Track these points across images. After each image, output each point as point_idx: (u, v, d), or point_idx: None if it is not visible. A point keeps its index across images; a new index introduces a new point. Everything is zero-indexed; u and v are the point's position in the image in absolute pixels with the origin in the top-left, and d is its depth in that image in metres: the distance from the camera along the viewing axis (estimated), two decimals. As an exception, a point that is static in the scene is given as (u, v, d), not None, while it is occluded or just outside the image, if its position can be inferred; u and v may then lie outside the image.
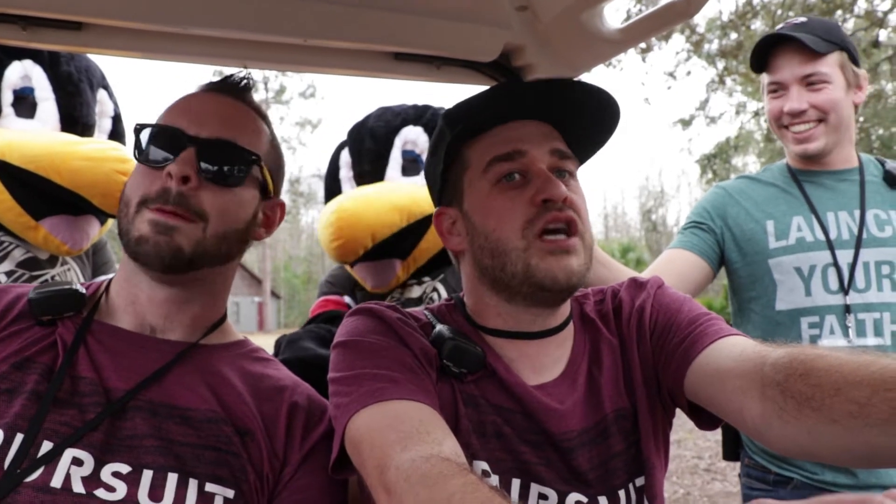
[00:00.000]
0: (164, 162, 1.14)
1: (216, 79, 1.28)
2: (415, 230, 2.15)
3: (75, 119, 2.05)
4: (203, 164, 1.14)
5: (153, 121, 1.20)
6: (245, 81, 1.26)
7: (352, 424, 1.01)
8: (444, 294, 2.25)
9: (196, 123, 1.16)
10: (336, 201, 2.17)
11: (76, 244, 1.99)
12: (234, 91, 1.25)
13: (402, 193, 2.17)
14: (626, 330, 1.23)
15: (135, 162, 1.21)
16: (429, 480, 0.83)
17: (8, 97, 1.98)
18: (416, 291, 2.27)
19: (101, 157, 1.94)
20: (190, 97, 1.22)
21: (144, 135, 1.17)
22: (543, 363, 1.18)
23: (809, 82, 1.94)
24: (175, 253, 1.12)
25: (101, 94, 2.18)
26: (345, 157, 2.37)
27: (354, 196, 2.17)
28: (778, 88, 1.99)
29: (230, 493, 1.08)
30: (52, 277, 2.00)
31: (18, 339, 1.12)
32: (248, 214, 1.22)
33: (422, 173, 2.23)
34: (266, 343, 1.50)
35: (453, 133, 1.18)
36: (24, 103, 2.01)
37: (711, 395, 1.08)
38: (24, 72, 2.00)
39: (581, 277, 1.13)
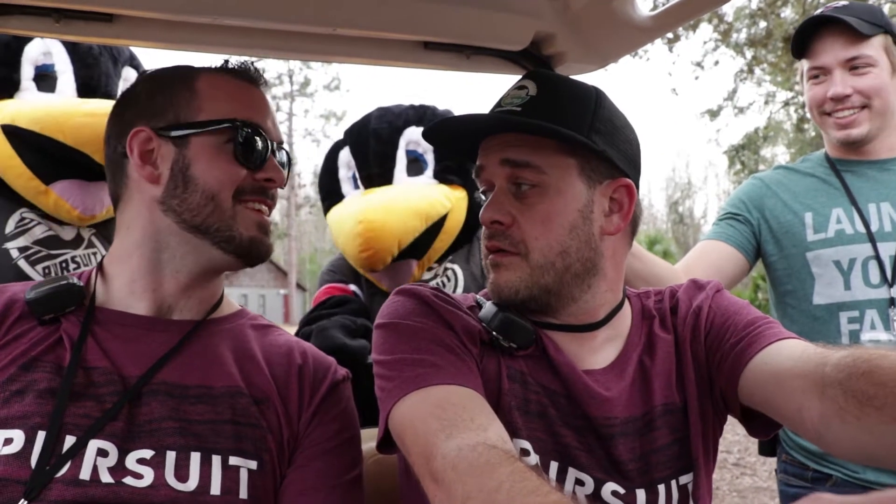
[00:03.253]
0: (258, 165, 1.19)
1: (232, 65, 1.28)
2: (432, 231, 2.22)
3: (92, 88, 2.00)
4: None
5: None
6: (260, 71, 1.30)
7: (395, 412, 1.02)
8: (460, 273, 2.30)
9: (271, 126, 1.23)
10: (357, 210, 2.20)
11: (88, 210, 1.95)
12: (263, 84, 1.28)
13: (418, 197, 2.22)
14: (681, 328, 1.21)
15: (155, 140, 1.19)
16: (476, 469, 0.83)
17: (29, 71, 1.95)
18: (426, 275, 2.31)
19: (104, 113, 1.86)
20: (246, 89, 1.24)
21: (243, 132, 1.18)
22: (589, 352, 1.18)
23: (853, 66, 1.87)
24: (270, 250, 1.23)
25: (129, 73, 2.13)
26: (344, 156, 2.40)
27: (375, 204, 2.19)
28: (820, 74, 1.92)
29: (253, 465, 1.09)
30: (73, 259, 1.97)
31: (23, 340, 1.11)
32: None
33: (426, 172, 2.32)
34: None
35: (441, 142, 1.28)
36: (47, 80, 1.98)
37: (769, 396, 1.06)
38: (45, 48, 1.97)
39: (516, 293, 1.14)
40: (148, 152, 1.18)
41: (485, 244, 1.18)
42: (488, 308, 1.16)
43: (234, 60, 1.26)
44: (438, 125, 1.20)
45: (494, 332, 1.13)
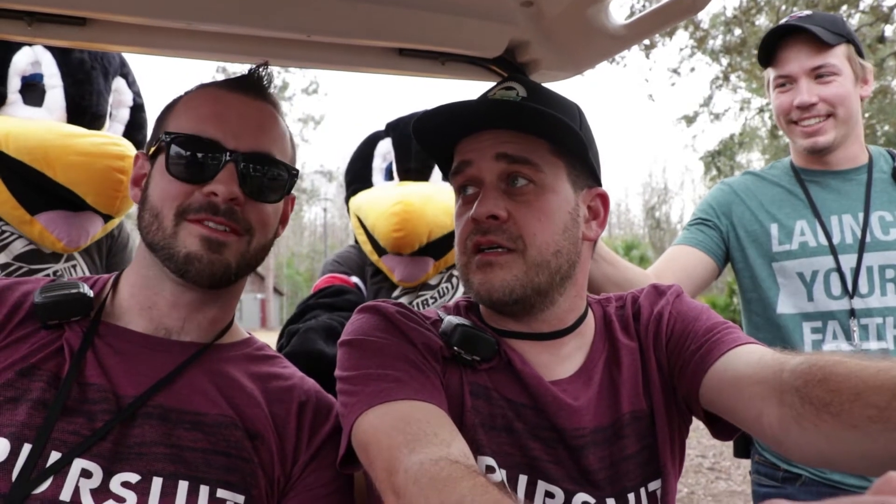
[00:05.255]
0: (204, 178, 1.12)
1: (237, 72, 1.24)
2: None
3: (83, 108, 1.99)
4: (245, 181, 1.14)
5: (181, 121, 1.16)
6: (268, 77, 1.23)
7: (358, 426, 1.01)
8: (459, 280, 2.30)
9: (233, 135, 1.14)
10: (397, 193, 2.24)
11: (73, 242, 1.94)
12: (259, 90, 1.21)
13: (453, 198, 2.23)
14: (643, 335, 1.22)
15: (141, 160, 1.19)
16: (438, 484, 0.84)
17: (16, 84, 1.92)
18: (434, 279, 2.34)
19: (98, 153, 1.88)
20: (217, 99, 1.17)
21: (178, 144, 1.13)
22: (556, 361, 1.18)
23: (818, 75, 1.91)
24: (225, 269, 1.13)
25: (119, 83, 2.12)
26: (382, 147, 2.44)
27: (415, 192, 2.24)
28: (786, 82, 1.96)
29: (240, 499, 1.07)
30: (55, 273, 1.95)
31: (24, 344, 1.09)
32: (278, 221, 1.25)
33: None
34: (269, 340, 1.50)
35: (420, 142, 1.23)
36: (34, 90, 1.95)
37: (728, 403, 1.07)
38: (34, 57, 1.94)
39: (511, 293, 1.11)
40: (141, 176, 1.19)
41: (476, 240, 1.13)
42: (448, 322, 1.16)
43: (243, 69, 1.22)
44: (441, 110, 1.15)
45: (456, 347, 1.13)
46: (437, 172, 2.36)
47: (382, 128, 2.51)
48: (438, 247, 2.25)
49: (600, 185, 1.24)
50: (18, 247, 1.91)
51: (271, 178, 1.18)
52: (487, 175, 1.14)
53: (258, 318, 44.46)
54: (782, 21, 2.01)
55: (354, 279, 2.31)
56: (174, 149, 1.13)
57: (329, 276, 2.31)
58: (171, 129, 1.15)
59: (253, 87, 1.20)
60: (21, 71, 1.93)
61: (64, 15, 1.39)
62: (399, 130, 2.41)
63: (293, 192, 1.28)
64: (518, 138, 1.13)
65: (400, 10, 1.51)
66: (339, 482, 1.16)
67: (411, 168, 2.35)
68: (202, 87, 1.22)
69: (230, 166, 1.12)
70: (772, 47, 1.98)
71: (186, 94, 1.22)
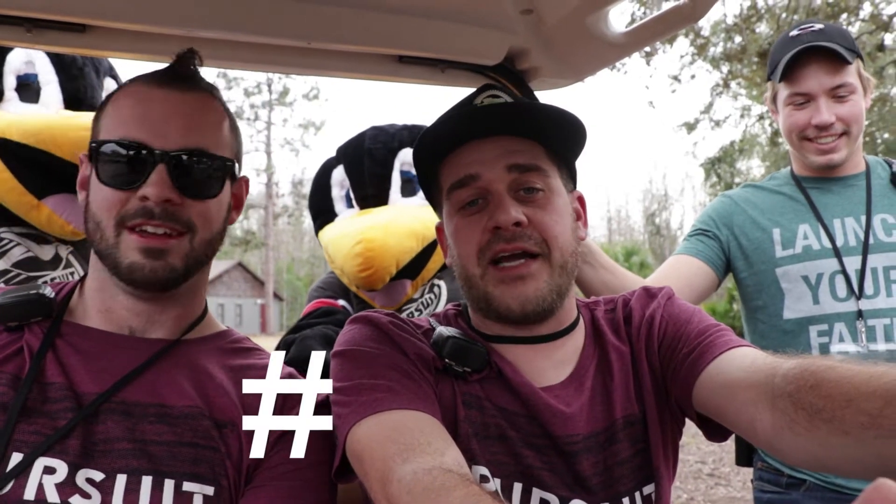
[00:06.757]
0: (135, 184, 1.09)
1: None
2: (426, 252, 2.23)
3: (79, 100, 1.99)
4: (178, 180, 1.10)
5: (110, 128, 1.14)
6: (193, 65, 1.19)
7: (352, 436, 1.01)
8: (444, 288, 2.31)
9: (160, 135, 1.10)
10: (356, 230, 2.20)
11: (81, 224, 1.94)
12: (185, 81, 1.17)
13: (413, 218, 2.23)
14: (635, 339, 1.22)
15: (85, 163, 1.16)
16: (431, 493, 0.83)
17: (11, 81, 1.92)
18: (416, 293, 2.32)
19: None
20: (140, 99, 1.13)
21: (105, 152, 1.11)
22: (548, 366, 1.18)
23: (837, 94, 1.90)
24: (171, 272, 1.12)
25: (109, 83, 2.12)
26: (337, 175, 2.39)
27: (374, 225, 2.20)
28: (802, 100, 1.94)
29: (209, 490, 1.06)
30: (53, 280, 1.93)
31: None
32: (225, 212, 1.22)
33: (419, 193, 2.30)
34: (269, 346, 1.49)
35: (418, 155, 1.21)
36: (29, 90, 1.95)
37: (721, 407, 1.07)
38: (27, 57, 1.94)
39: (543, 301, 1.11)
40: (85, 178, 1.18)
41: (499, 248, 1.11)
42: (439, 334, 1.15)
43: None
44: (445, 122, 1.17)
45: (447, 359, 1.12)
46: (394, 191, 2.32)
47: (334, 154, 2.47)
48: (411, 269, 2.23)
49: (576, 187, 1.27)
50: (17, 254, 1.91)
51: (207, 172, 1.14)
52: (499, 185, 1.13)
53: (258, 324, 44.42)
54: (794, 32, 1.98)
55: (341, 302, 2.30)
56: (103, 157, 1.11)
57: (316, 301, 2.30)
58: (100, 136, 1.14)
59: (178, 79, 1.16)
60: (16, 69, 1.93)
61: (64, 22, 1.39)
62: (349, 157, 2.37)
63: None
64: (524, 144, 1.14)
65: (400, 17, 1.51)
66: (309, 460, 1.10)
67: (368, 194, 2.31)
68: (127, 85, 1.18)
69: (161, 167, 1.09)
70: (790, 63, 1.94)
71: (114, 93, 1.18)
